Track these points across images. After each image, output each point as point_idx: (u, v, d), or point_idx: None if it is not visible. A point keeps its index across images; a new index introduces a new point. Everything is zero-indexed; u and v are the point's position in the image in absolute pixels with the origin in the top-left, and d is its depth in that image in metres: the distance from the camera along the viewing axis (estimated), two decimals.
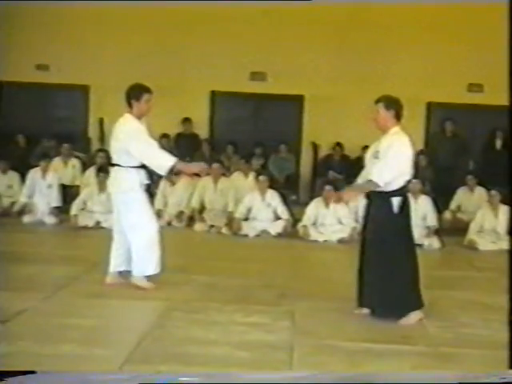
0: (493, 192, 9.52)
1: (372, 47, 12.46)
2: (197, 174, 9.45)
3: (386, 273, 5.31)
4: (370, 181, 5.24)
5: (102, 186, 9.62)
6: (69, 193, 10.73)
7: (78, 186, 10.92)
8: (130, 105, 6.07)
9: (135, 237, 6.10)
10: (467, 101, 12.55)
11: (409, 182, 5.45)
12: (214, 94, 12.81)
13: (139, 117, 6.08)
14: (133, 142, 5.95)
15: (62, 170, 11.22)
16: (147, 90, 6.09)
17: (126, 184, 6.09)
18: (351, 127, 12.43)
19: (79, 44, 12.43)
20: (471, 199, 10.74)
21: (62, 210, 10.19)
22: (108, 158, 11.09)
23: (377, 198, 5.37)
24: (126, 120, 6.07)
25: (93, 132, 12.87)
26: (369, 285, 5.46)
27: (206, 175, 10.40)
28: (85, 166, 11.43)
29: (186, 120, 12.40)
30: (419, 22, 12.29)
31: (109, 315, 5.41)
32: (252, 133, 12.78)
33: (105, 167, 9.69)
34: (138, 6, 11.99)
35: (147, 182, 6.16)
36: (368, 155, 5.56)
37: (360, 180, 5.56)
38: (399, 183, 5.31)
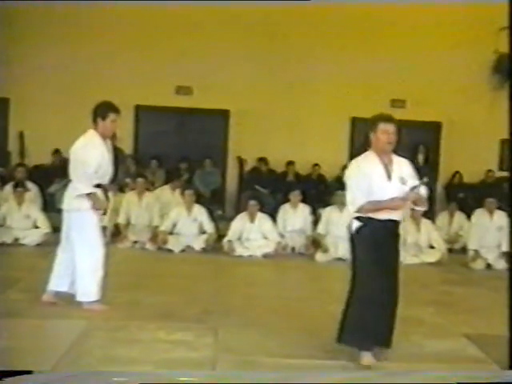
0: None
1: (297, 62, 12.57)
2: None
3: (351, 299, 5.00)
4: None
5: (20, 202, 9.34)
6: None
7: None
8: (95, 122, 5.90)
9: (84, 258, 5.88)
10: None
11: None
12: (138, 108, 12.65)
13: (104, 135, 5.91)
14: (73, 156, 5.85)
15: None
16: (115, 110, 5.92)
17: (77, 203, 5.89)
18: (276, 141, 12.52)
19: None
20: None
21: None
22: (27, 172, 10.89)
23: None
24: (85, 135, 5.93)
25: (12, 146, 12.51)
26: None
27: (131, 190, 10.32)
28: (4, 181, 11.06)
29: None
30: (342, 36, 12.49)
31: (24, 335, 5.20)
32: (177, 147, 12.69)
33: (23, 182, 9.42)
34: (62, 17, 11.82)
35: None
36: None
37: None
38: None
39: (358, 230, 4.92)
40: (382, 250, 4.91)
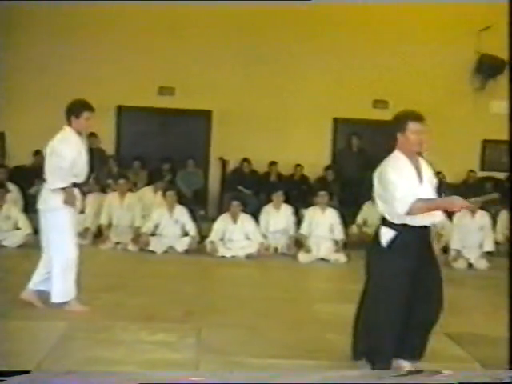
0: None
1: (280, 62, 12.57)
2: None
3: (366, 317, 4.77)
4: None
5: (0, 203, 9.27)
6: None
7: None
8: (68, 120, 5.90)
9: (56, 258, 5.85)
10: (372, 117, 12.79)
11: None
12: (120, 108, 12.60)
13: (79, 131, 5.92)
14: (49, 151, 5.84)
15: None
16: (88, 108, 5.92)
17: (52, 202, 5.85)
18: (259, 142, 12.50)
19: None
20: (377, 213, 10.90)
21: None
22: (8, 173, 10.80)
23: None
24: (62, 132, 5.92)
25: None
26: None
27: (113, 191, 10.29)
28: None
29: (92, 135, 12.09)
30: (326, 38, 12.49)
31: (5, 337, 5.15)
32: (160, 148, 12.60)
33: (3, 184, 9.34)
34: (43, 17, 11.75)
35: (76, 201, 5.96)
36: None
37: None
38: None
39: (393, 239, 4.53)
40: (419, 260, 4.58)
